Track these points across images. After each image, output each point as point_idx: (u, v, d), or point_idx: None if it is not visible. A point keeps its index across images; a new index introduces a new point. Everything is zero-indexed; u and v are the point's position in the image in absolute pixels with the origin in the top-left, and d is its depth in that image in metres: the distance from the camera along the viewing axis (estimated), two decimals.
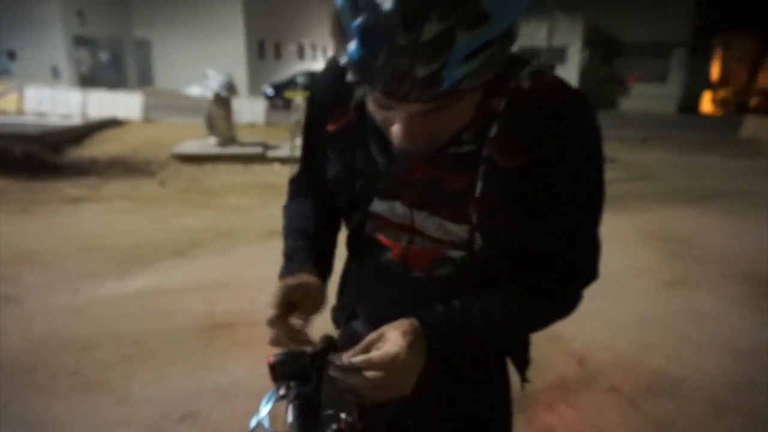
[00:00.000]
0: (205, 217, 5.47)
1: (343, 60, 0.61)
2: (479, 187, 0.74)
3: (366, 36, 0.57)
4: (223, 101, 9.16)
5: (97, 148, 9.28)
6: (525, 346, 0.95)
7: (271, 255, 4.14)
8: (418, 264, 0.86)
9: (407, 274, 0.87)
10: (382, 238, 0.88)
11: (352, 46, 0.58)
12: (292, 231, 0.92)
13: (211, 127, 9.13)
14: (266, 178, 7.40)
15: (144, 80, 26.56)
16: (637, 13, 23.33)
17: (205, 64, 16.14)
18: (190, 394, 2.39)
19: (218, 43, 24.68)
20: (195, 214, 5.57)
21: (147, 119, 13.18)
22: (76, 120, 11.69)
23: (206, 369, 2.59)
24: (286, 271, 0.84)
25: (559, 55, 21.10)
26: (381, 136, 0.75)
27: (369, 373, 0.66)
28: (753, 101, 25.18)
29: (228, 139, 9.19)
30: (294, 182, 1.03)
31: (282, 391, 0.71)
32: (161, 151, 8.89)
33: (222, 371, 2.56)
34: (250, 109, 13.56)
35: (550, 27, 14.65)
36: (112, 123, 11.96)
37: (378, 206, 0.85)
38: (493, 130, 0.73)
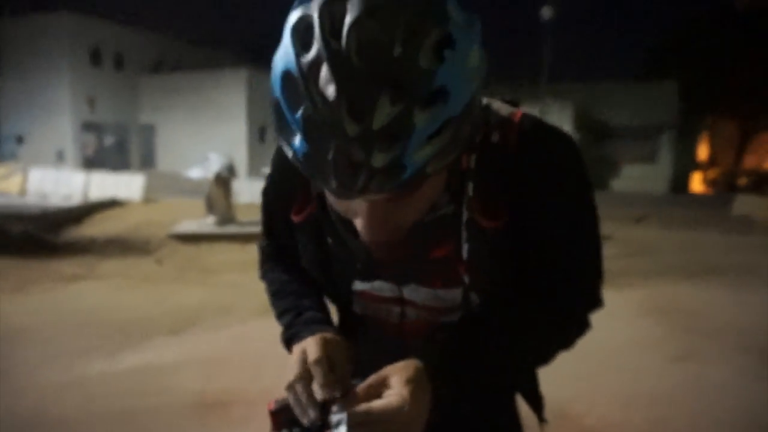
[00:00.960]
0: (202, 294, 5.39)
1: (290, 155, 0.55)
2: (466, 249, 0.71)
3: (310, 129, 0.51)
4: (223, 181, 9.32)
5: (95, 228, 9.30)
6: (533, 381, 0.88)
7: (270, 332, 4.05)
8: (413, 335, 0.82)
9: (404, 344, 0.83)
10: (371, 315, 0.84)
11: (296, 140, 0.53)
12: (288, 293, 0.87)
13: (211, 207, 9.22)
14: None
15: (147, 163, 27.23)
16: (624, 98, 24.46)
17: (207, 147, 16.65)
18: None
19: (220, 128, 25.58)
20: (191, 291, 5.49)
21: (147, 200, 13.34)
22: (76, 200, 11.83)
23: None
24: (302, 328, 0.79)
25: None
26: (348, 221, 0.71)
27: (371, 427, 0.60)
28: (742, 181, 25.85)
29: (227, 219, 9.25)
30: (266, 250, 0.97)
31: None
32: (160, 230, 8.91)
33: None
34: (249, 190, 13.78)
35: (541, 112, 15.29)
36: (113, 203, 12.07)
37: (361, 285, 0.82)
38: (470, 190, 0.70)
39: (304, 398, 0.66)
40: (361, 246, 0.73)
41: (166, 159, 27.34)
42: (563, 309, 0.76)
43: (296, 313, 0.82)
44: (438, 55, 0.50)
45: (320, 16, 0.51)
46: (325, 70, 0.50)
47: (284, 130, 0.55)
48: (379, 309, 0.82)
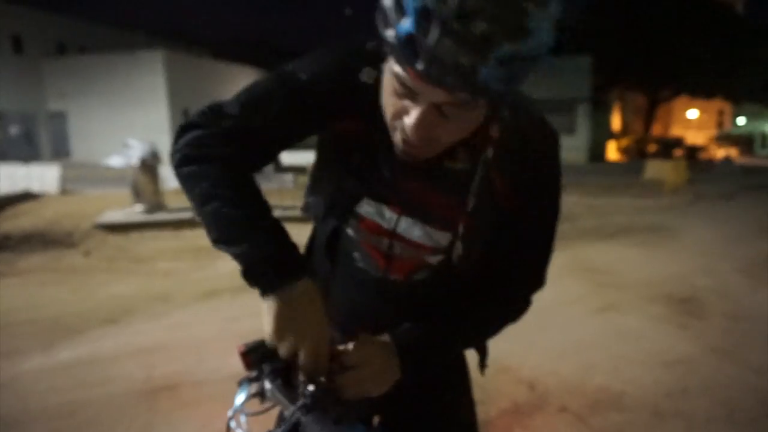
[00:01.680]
0: (136, 283, 5.22)
1: (388, 36, 0.64)
2: (471, 203, 0.82)
3: (423, 15, 0.61)
4: (149, 168, 8.97)
5: (9, 223, 8.69)
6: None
7: (210, 316, 4.05)
8: (401, 270, 0.90)
9: (385, 278, 0.90)
10: (363, 241, 0.90)
11: (406, 22, 0.62)
12: (257, 210, 0.76)
13: (137, 195, 8.87)
14: (198, 242, 7.17)
15: (59, 153, 25.46)
16: (541, 73, 25.39)
17: (126, 134, 15.81)
18: None
19: (139, 113, 24.29)
20: (124, 281, 5.31)
21: (65, 191, 12.58)
22: None
23: None
24: (284, 267, 0.72)
25: None
26: (389, 145, 0.78)
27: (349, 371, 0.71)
28: (651, 148, 27.73)
29: (155, 206, 8.93)
30: (232, 135, 0.79)
31: (254, 376, 0.74)
32: (83, 222, 8.47)
33: None
34: None
35: None
36: (26, 197, 11.31)
37: (365, 207, 0.87)
38: (489, 153, 0.81)
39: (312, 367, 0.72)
40: (388, 169, 0.83)
41: (81, 148, 25.67)
42: (514, 290, 0.89)
43: (277, 244, 0.74)
44: (538, 3, 0.62)
45: None
46: None
47: (393, 13, 0.63)
48: (370, 237, 0.89)
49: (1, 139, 23.74)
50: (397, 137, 0.75)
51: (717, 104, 35.54)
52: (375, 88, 0.78)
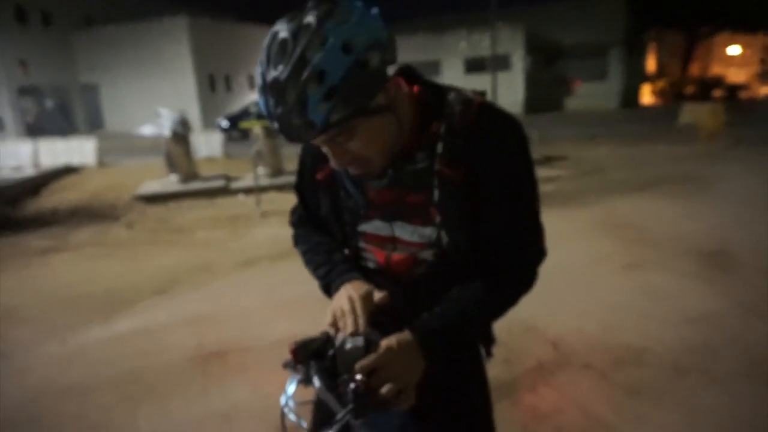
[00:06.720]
0: (179, 254, 5.51)
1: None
2: (436, 195, 0.95)
3: (267, 112, 0.84)
4: (181, 138, 9.19)
5: (56, 198, 9.13)
6: (488, 325, 1.11)
7: (251, 284, 4.30)
8: (399, 267, 1.05)
9: (393, 277, 1.06)
10: (370, 248, 1.08)
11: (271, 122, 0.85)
12: (321, 251, 1.13)
13: (172, 165, 9.14)
14: (233, 210, 7.46)
15: (94, 125, 26.11)
16: (572, 18, 24.45)
17: (156, 103, 16.06)
18: (196, 421, 2.49)
19: (167, 81, 24.52)
20: (168, 252, 5.60)
21: (102, 163, 13.02)
22: (29, 171, 11.48)
23: (207, 396, 2.69)
24: (339, 276, 1.05)
25: (503, 62, 21.90)
26: (354, 176, 0.99)
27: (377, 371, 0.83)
28: (689, 89, 26.65)
29: (190, 175, 9.20)
30: (295, 212, 1.24)
31: (301, 369, 0.89)
32: (123, 193, 8.84)
33: (222, 397, 2.67)
34: (206, 144, 13.56)
35: (493, 37, 15.24)
36: (68, 170, 11.77)
37: (364, 227, 1.07)
38: (439, 148, 0.93)
39: (351, 322, 0.91)
40: (362, 193, 1.03)
41: (113, 119, 26.24)
42: (513, 266, 0.99)
43: (331, 266, 1.08)
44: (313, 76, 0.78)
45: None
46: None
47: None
48: (375, 244, 1.07)
49: (38, 113, 24.42)
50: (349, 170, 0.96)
51: (761, 39, 33.62)
52: None
